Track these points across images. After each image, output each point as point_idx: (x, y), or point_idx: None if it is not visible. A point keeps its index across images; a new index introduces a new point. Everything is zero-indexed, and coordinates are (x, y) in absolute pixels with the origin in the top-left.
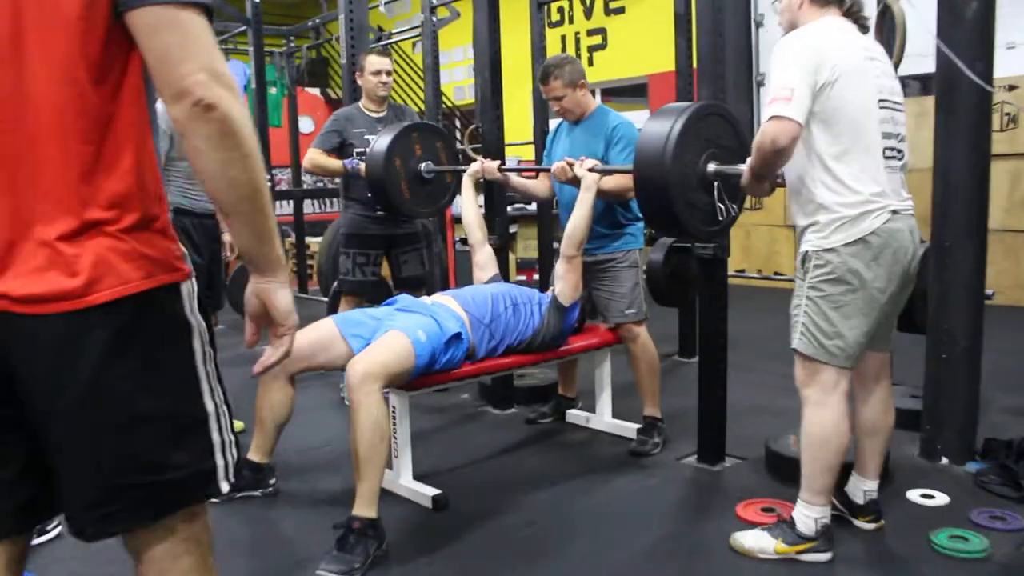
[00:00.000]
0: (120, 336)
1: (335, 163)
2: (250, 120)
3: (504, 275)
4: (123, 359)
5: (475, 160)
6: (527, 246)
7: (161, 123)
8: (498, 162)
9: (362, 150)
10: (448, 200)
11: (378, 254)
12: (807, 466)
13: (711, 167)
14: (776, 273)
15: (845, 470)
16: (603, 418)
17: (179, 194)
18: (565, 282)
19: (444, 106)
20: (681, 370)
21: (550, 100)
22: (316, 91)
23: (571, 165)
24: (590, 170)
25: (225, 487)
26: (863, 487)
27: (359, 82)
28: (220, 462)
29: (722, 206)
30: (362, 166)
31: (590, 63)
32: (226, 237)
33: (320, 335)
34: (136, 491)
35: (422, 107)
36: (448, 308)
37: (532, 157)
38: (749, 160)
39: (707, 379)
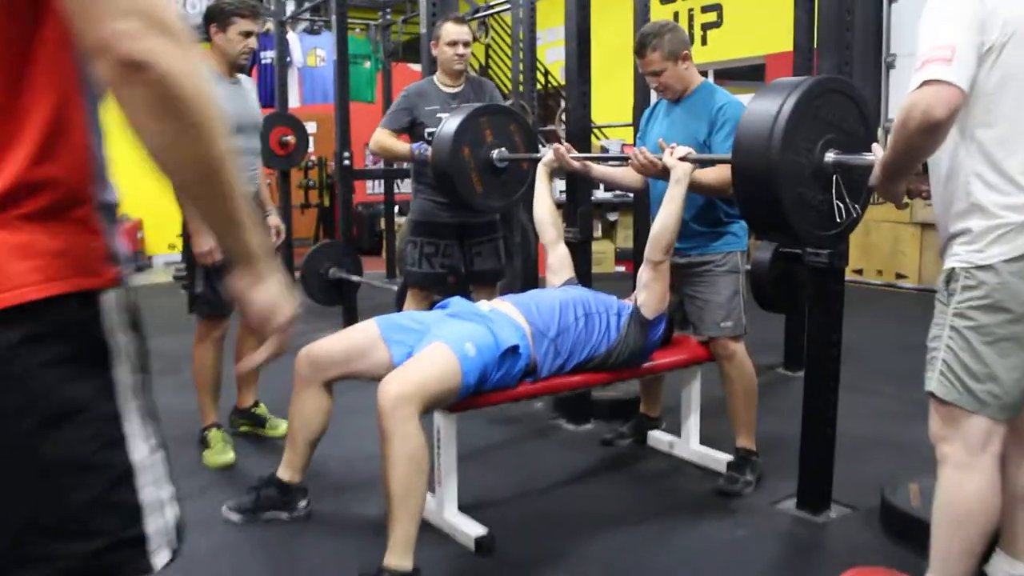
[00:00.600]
0: (4, 362)
1: (403, 146)
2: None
3: (586, 277)
4: (8, 393)
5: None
6: (628, 236)
7: None
8: (572, 150)
9: (433, 131)
10: (526, 191)
11: (448, 244)
12: (941, 546)
13: (829, 156)
14: (899, 276)
15: (989, 544)
16: (689, 444)
17: None
18: (650, 292)
19: (550, 86)
20: (786, 386)
21: (647, 75)
22: (417, 67)
23: (659, 155)
24: (682, 159)
25: (162, 559)
26: (1012, 570)
27: (434, 53)
28: (152, 528)
29: (841, 205)
30: (430, 152)
31: (703, 42)
32: (271, 220)
33: (359, 339)
34: (33, 568)
35: (521, 87)
36: (507, 316)
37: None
38: (885, 147)
39: (813, 412)
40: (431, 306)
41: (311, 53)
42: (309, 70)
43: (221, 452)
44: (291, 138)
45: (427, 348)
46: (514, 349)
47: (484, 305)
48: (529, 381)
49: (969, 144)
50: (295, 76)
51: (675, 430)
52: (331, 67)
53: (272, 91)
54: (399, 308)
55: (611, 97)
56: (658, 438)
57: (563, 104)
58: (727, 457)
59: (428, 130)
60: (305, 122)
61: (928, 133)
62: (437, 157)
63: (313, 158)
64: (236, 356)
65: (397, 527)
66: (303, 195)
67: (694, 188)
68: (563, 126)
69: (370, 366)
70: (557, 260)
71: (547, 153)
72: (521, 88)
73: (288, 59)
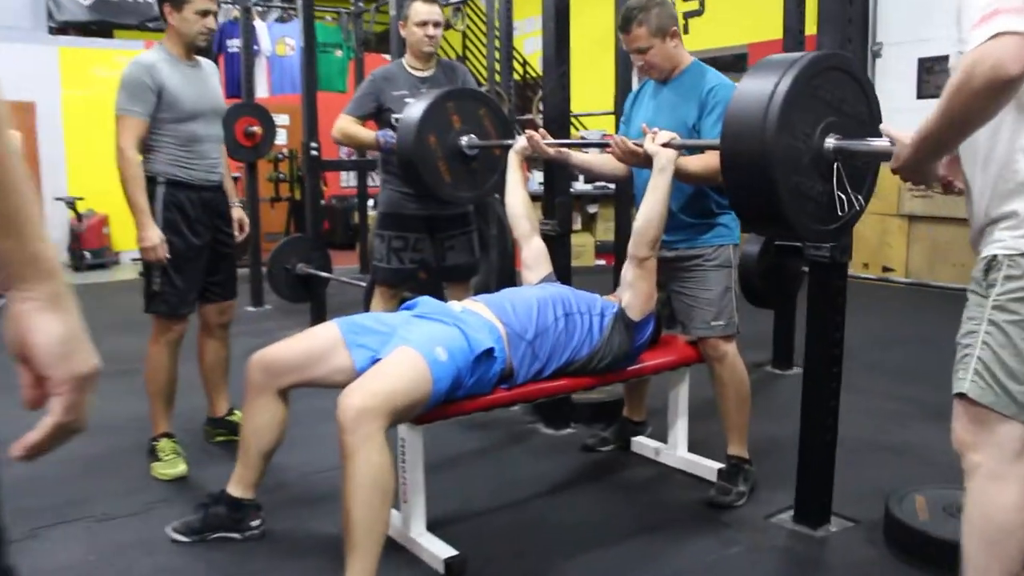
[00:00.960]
0: None
1: (367, 134)
2: None
3: (566, 272)
4: None
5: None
6: (608, 228)
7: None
8: (547, 137)
9: (400, 116)
10: (499, 179)
11: (418, 238)
12: (977, 566)
13: (830, 141)
14: (886, 269)
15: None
16: (676, 451)
17: (170, 163)
18: (635, 291)
19: (528, 77)
20: (775, 385)
21: (632, 53)
22: (390, 57)
23: (640, 141)
24: (665, 145)
25: None
26: None
27: (402, 34)
28: None
29: (843, 196)
30: (395, 140)
31: (685, 30)
32: (235, 213)
33: (317, 342)
34: None
35: (498, 76)
36: (480, 317)
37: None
38: (931, 114)
39: (812, 417)
40: (400, 304)
41: (280, 42)
42: (278, 59)
43: (171, 464)
44: (257, 129)
45: (393, 353)
46: (488, 352)
47: (455, 305)
48: (504, 387)
49: (1020, 116)
50: (263, 65)
51: (661, 435)
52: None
53: (239, 81)
54: (367, 306)
55: (591, 86)
56: (643, 444)
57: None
58: (718, 465)
59: (395, 116)
60: (276, 113)
61: (996, 92)
62: (401, 145)
63: (284, 150)
64: (199, 359)
65: (356, 560)
66: (273, 188)
67: (680, 177)
68: (541, 115)
69: (330, 372)
70: (532, 255)
71: (520, 140)
72: (498, 78)
73: (255, 47)
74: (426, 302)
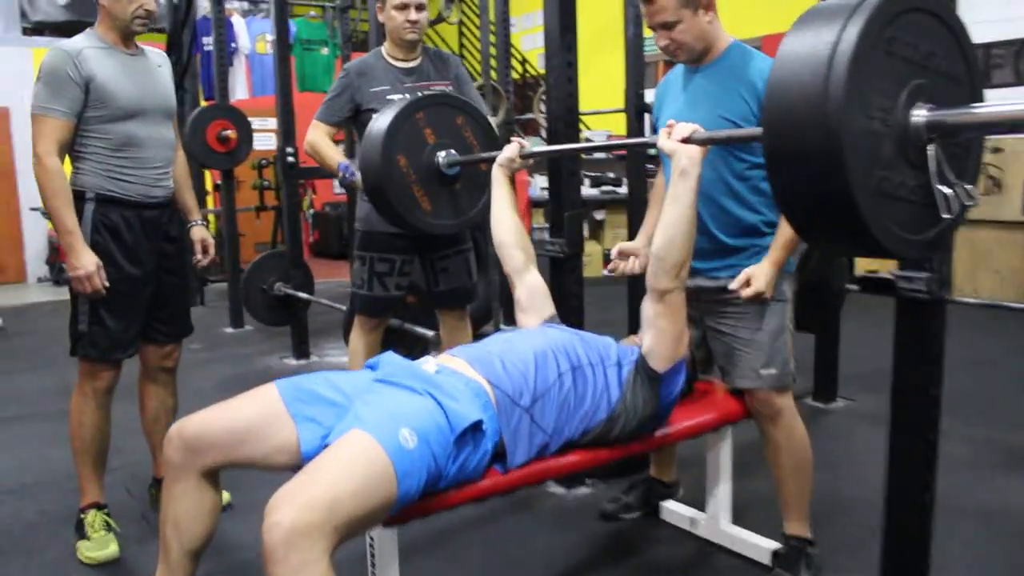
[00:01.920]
0: None
1: (333, 157)
2: None
3: (578, 303)
4: None
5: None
6: (617, 236)
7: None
8: (527, 145)
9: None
10: (488, 200)
11: (406, 260)
12: None
13: (920, 115)
14: None
15: None
16: (718, 523)
17: (101, 174)
18: (659, 334)
19: (528, 75)
20: (819, 422)
21: (655, 28)
22: None
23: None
24: (685, 141)
25: None
26: None
27: (380, 19)
28: None
29: (946, 191)
30: (358, 177)
31: None
32: (196, 233)
33: (252, 412)
34: None
35: (494, 74)
36: (462, 377)
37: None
38: None
39: (903, 495)
40: (383, 336)
41: (260, 39)
42: (259, 58)
43: (100, 544)
44: (231, 133)
45: (341, 441)
46: (476, 427)
47: (428, 363)
48: (499, 469)
49: None
50: (242, 65)
51: (697, 502)
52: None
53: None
54: (346, 337)
55: (596, 80)
56: (675, 512)
57: (542, 87)
58: (772, 544)
59: (375, 115)
60: (260, 117)
61: None
62: (367, 173)
63: (271, 156)
64: (140, 409)
65: None
66: (258, 197)
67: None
68: (544, 115)
69: (269, 451)
70: (528, 294)
71: (505, 149)
72: (494, 76)
73: (233, 45)
74: (389, 361)
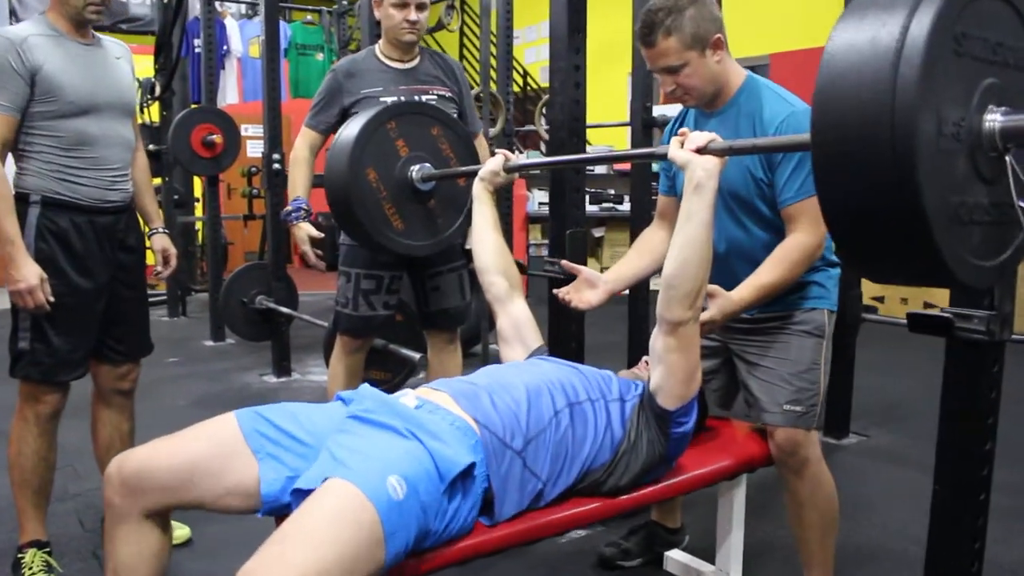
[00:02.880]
0: None
1: (296, 183)
2: None
3: (578, 332)
4: None
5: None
6: (617, 255)
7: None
8: (513, 157)
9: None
10: (467, 220)
11: (394, 277)
12: None
13: (994, 120)
14: (927, 306)
15: None
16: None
17: (49, 175)
18: (668, 369)
19: (530, 88)
20: (831, 460)
21: (659, 73)
22: None
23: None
24: (700, 151)
25: None
26: None
27: (377, 15)
28: None
29: None
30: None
31: None
32: (157, 242)
33: (208, 446)
34: None
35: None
36: (447, 415)
37: (626, 146)
38: None
39: (946, 565)
40: (366, 358)
41: (253, 42)
42: (252, 62)
43: None
44: (218, 137)
45: (322, 492)
46: (467, 472)
47: (407, 397)
48: (485, 522)
49: None
50: (234, 68)
51: (702, 546)
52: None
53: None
54: (327, 357)
55: (599, 95)
56: (679, 562)
57: (544, 97)
58: None
59: None
60: (251, 123)
61: None
62: (331, 186)
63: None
64: (92, 435)
65: None
66: (247, 205)
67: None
68: (545, 127)
69: (222, 492)
70: (512, 325)
71: (488, 163)
72: (494, 86)
73: (224, 48)
74: (365, 395)
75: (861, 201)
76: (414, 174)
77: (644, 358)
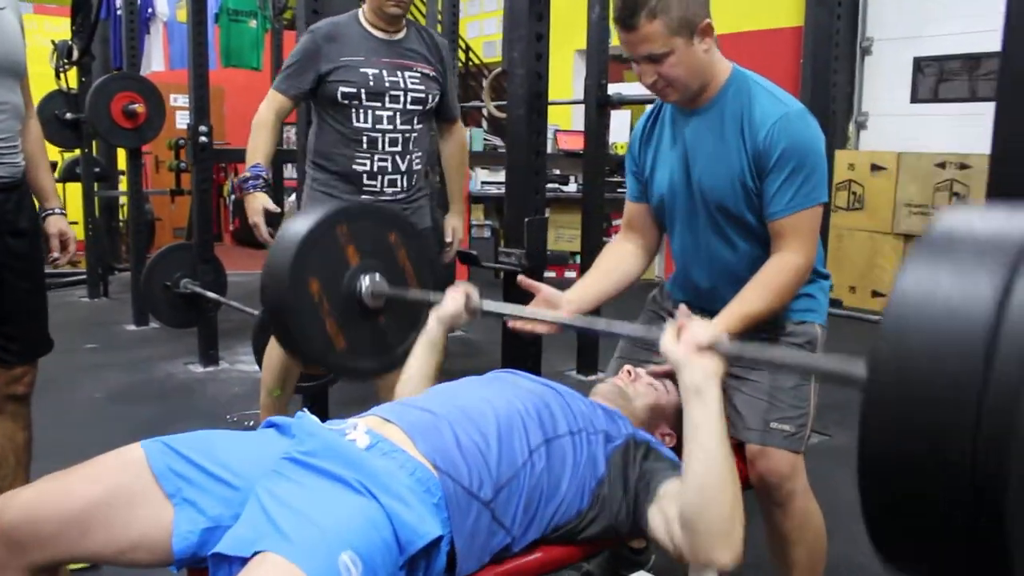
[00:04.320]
0: None
1: (258, 149)
2: None
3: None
4: None
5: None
6: (561, 236)
7: None
8: (475, 294)
9: (351, 91)
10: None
11: None
12: None
13: None
14: (875, 295)
15: None
16: None
17: None
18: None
19: (471, 64)
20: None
21: (637, 62)
22: None
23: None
24: (705, 348)
25: None
26: None
27: None
28: None
29: None
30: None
31: None
32: (52, 224)
33: (109, 486)
34: None
35: None
36: (406, 462)
37: (571, 125)
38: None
39: None
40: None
41: (181, 6)
42: (179, 27)
43: None
44: (140, 107)
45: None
46: (435, 545)
47: (355, 431)
48: None
49: None
50: (159, 33)
51: (669, 566)
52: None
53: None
54: (258, 354)
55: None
56: None
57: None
58: None
59: (343, 90)
60: (180, 92)
61: None
62: (268, 291)
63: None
64: None
65: None
66: (175, 179)
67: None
68: (494, 103)
69: (126, 545)
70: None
71: (448, 299)
72: None
73: (149, 11)
74: (308, 429)
75: (922, 517)
76: (364, 288)
77: (625, 366)
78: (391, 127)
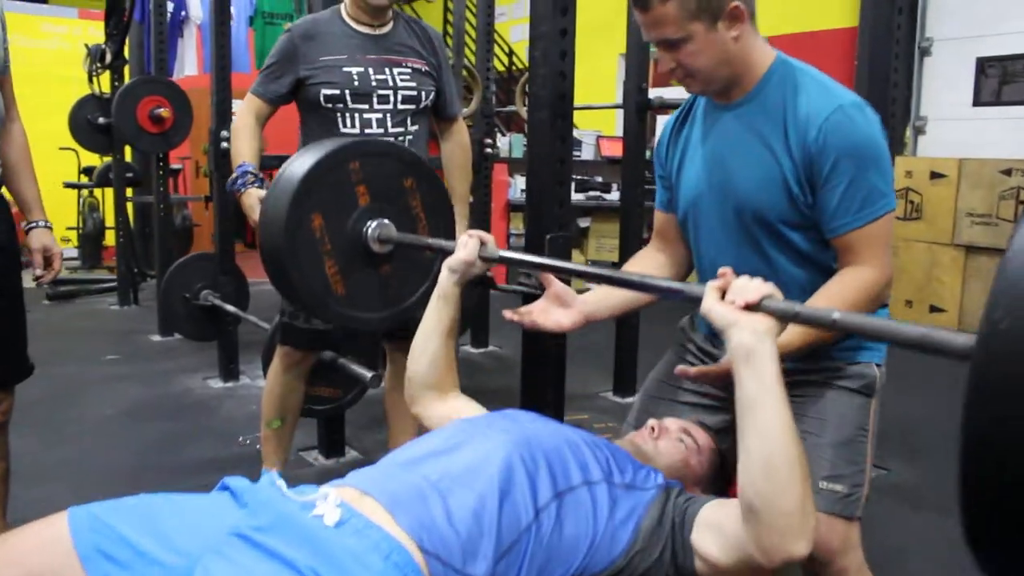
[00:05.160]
0: None
1: (243, 149)
2: None
3: (559, 365)
4: None
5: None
6: (603, 246)
7: None
8: (491, 240)
9: (333, 94)
10: (427, 292)
11: None
12: None
13: None
14: (933, 310)
15: None
16: None
17: None
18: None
19: (515, 68)
20: None
21: (657, 46)
22: None
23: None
24: (750, 308)
25: None
26: None
27: None
28: None
29: None
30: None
31: None
32: (35, 239)
33: (26, 571)
34: None
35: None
36: (381, 543)
37: (614, 132)
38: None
39: None
40: (308, 370)
41: None
42: None
43: None
44: (166, 111)
45: None
46: None
47: (324, 503)
48: None
49: None
50: (193, 36)
51: None
52: (242, 26)
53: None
54: (265, 365)
55: (585, 74)
56: None
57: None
58: None
59: (325, 92)
60: None
61: None
62: (264, 227)
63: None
64: None
65: None
66: (209, 185)
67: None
68: (525, 107)
69: None
70: (436, 418)
71: (462, 246)
72: (470, 56)
73: (182, 13)
74: (263, 498)
75: None
76: (370, 232)
77: (649, 421)
78: (382, 130)
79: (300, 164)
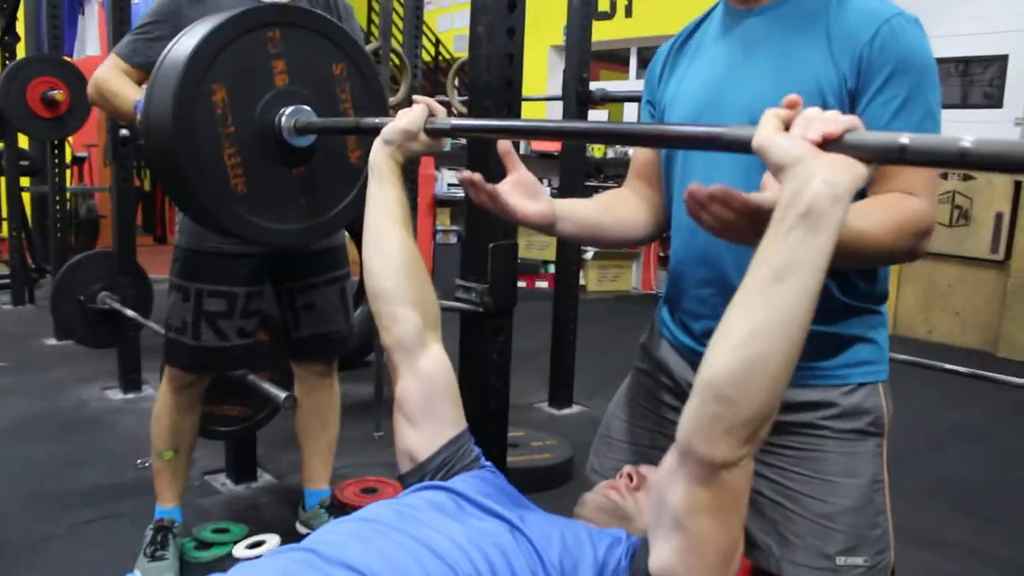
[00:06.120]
0: None
1: (128, 91)
2: None
3: (503, 387)
4: None
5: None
6: (531, 243)
7: None
8: (442, 111)
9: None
10: (354, 203)
11: (252, 293)
12: None
13: None
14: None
15: None
16: None
17: None
18: (690, 541)
19: (442, 58)
20: None
21: None
22: None
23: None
24: (826, 142)
25: None
26: None
27: None
28: None
29: None
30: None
31: (627, 13)
32: None
33: None
34: None
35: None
36: None
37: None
38: None
39: None
40: (203, 392)
41: None
42: None
43: None
44: (60, 94)
45: None
46: None
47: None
48: None
49: None
50: (96, 13)
51: None
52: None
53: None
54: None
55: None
56: None
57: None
58: None
59: None
60: None
61: None
62: (150, 110)
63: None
64: None
65: None
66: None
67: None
68: (458, 94)
69: None
70: (421, 393)
71: (400, 116)
72: (397, 41)
73: None
74: None
75: None
76: (284, 119)
77: (626, 468)
78: None
79: (208, 22)
